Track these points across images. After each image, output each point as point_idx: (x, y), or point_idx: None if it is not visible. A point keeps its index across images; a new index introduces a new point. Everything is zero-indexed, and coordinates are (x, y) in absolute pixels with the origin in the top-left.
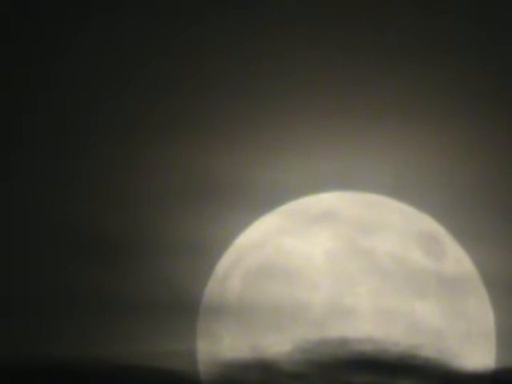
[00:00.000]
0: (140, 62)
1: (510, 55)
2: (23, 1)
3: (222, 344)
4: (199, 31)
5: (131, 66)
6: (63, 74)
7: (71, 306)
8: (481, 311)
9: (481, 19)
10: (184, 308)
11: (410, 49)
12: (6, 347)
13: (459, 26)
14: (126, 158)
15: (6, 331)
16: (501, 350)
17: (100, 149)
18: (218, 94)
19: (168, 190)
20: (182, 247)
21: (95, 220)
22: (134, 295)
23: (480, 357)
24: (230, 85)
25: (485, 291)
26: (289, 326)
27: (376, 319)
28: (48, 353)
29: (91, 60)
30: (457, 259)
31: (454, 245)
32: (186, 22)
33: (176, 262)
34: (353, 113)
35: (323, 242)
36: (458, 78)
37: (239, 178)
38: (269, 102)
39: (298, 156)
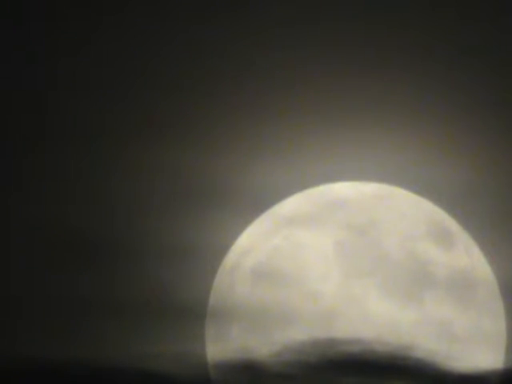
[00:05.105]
0: (138, 64)
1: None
2: (25, 1)
3: (222, 345)
4: (198, 35)
5: (130, 67)
6: (63, 74)
7: (78, 309)
8: (491, 306)
9: (481, 19)
10: (188, 311)
11: (410, 47)
12: None
13: (460, 25)
14: (119, 161)
15: None
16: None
17: (98, 151)
18: (213, 96)
19: (169, 193)
20: (184, 250)
21: (92, 224)
22: (129, 298)
23: (489, 355)
24: (223, 89)
25: (496, 284)
26: (289, 327)
27: (383, 316)
28: (61, 354)
29: (91, 61)
30: (467, 251)
31: (464, 236)
32: (185, 25)
33: (178, 264)
34: (356, 106)
35: (332, 233)
36: (459, 72)
37: (239, 177)
38: (267, 98)
39: (301, 149)
